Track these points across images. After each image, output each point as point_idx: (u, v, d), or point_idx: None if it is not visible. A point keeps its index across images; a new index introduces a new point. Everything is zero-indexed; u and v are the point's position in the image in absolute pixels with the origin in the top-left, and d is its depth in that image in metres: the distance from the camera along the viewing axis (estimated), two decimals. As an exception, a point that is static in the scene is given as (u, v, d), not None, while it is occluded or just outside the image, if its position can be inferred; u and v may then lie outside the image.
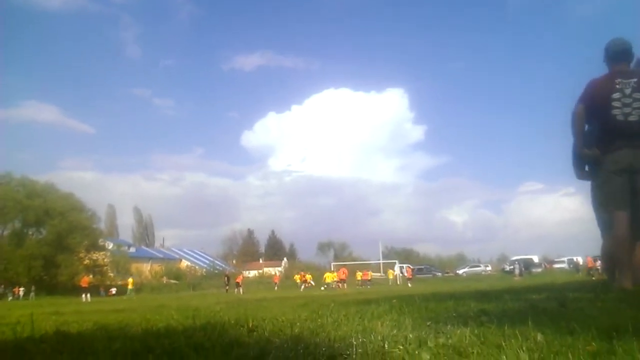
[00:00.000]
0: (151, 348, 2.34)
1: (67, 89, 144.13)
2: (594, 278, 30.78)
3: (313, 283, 47.18)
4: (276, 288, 44.87)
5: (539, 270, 58.60)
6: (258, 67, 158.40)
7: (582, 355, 1.62)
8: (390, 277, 53.27)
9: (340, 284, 43.97)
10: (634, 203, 4.91)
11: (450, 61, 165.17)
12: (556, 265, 63.22)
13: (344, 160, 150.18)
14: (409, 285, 40.65)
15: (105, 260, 60.93)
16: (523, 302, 4.03)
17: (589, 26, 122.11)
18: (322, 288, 39.96)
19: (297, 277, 50.04)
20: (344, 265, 54.83)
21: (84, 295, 34.48)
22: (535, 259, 66.90)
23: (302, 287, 43.27)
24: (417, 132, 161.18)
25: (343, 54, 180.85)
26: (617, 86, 4.91)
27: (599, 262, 45.62)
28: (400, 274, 53.55)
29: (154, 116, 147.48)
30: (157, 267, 73.24)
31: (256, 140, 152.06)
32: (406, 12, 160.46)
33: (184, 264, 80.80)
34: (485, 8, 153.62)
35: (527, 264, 57.83)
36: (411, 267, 56.00)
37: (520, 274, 48.47)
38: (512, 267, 53.75)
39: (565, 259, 64.51)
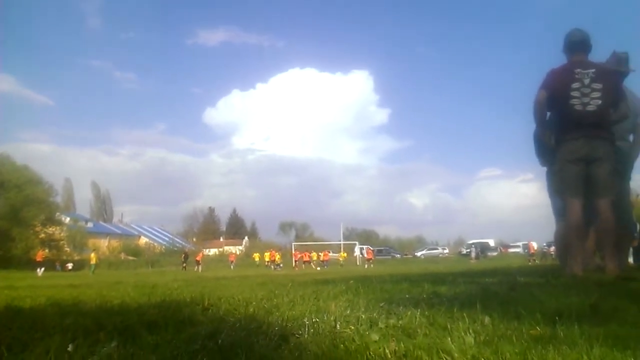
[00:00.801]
0: (103, 325, 2.31)
1: (24, 59, 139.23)
2: (530, 263, 32.23)
3: (282, 265, 46.05)
4: (232, 267, 44.10)
5: (495, 254, 60.12)
6: (222, 43, 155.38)
7: (526, 338, 1.67)
8: (341, 259, 52.99)
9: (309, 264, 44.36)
10: (588, 192, 5.04)
11: (416, 46, 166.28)
12: (511, 250, 64.97)
13: (308, 140, 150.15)
14: (366, 266, 41.13)
15: (62, 234, 59.68)
16: (475, 286, 4.12)
17: (552, 16, 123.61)
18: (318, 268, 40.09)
19: (266, 255, 48.46)
20: (306, 246, 55.20)
21: (38, 270, 33.78)
22: (492, 243, 68.53)
23: (273, 267, 42.86)
24: (381, 115, 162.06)
25: (309, 34, 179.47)
26: (577, 76, 5.00)
27: (552, 248, 47.35)
28: (361, 255, 54.01)
29: (115, 89, 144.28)
30: (115, 242, 72.17)
31: (219, 118, 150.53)
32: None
33: (143, 240, 79.77)
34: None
35: (484, 248, 59.22)
36: (371, 248, 56.63)
37: (477, 257, 49.67)
38: (468, 250, 54.99)
39: (520, 243, 66.23)
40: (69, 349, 1.74)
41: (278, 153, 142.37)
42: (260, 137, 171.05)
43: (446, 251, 71.46)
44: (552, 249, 46.89)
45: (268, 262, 46.11)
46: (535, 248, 48.66)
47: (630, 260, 8.37)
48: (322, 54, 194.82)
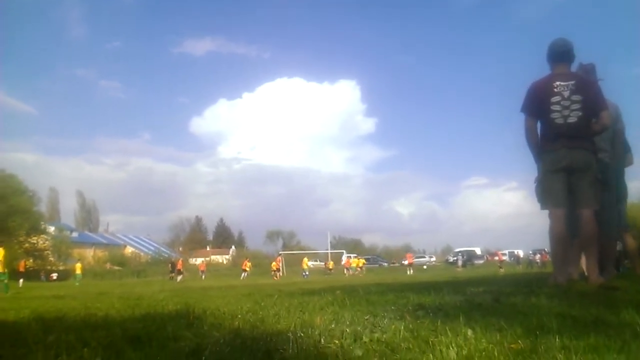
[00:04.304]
0: (86, 341, 2.30)
1: (8, 67, 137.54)
2: (502, 269, 32.72)
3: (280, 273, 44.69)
4: (203, 277, 42.56)
5: (481, 262, 60.40)
6: (209, 53, 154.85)
7: (507, 353, 1.69)
8: (330, 266, 52.04)
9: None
10: (572, 201, 5.10)
11: (403, 55, 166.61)
12: (497, 258, 65.28)
13: (295, 149, 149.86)
14: (348, 274, 41.09)
15: (46, 244, 59.03)
16: (460, 296, 4.13)
17: (535, 26, 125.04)
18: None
19: (273, 265, 45.94)
20: (292, 254, 54.87)
21: (20, 281, 33.26)
22: (478, 251, 68.93)
23: (278, 275, 41.98)
24: (367, 124, 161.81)
25: (296, 44, 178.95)
26: (556, 89, 5.05)
27: (538, 256, 47.73)
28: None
29: (100, 98, 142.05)
30: (100, 252, 71.57)
31: (206, 127, 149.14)
32: (362, 4, 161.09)
33: (129, 250, 79.14)
34: (437, 4, 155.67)
35: (470, 256, 59.53)
36: (356, 257, 56.63)
37: (463, 265, 49.91)
38: (455, 258, 55.24)
39: (506, 251, 66.67)
40: (52, 367, 1.74)
41: (264, 162, 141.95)
42: (246, 147, 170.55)
43: (433, 259, 71.70)
44: (538, 256, 47.51)
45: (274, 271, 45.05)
46: (504, 258, 48.99)
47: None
48: (310, 64, 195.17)
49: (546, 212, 5.38)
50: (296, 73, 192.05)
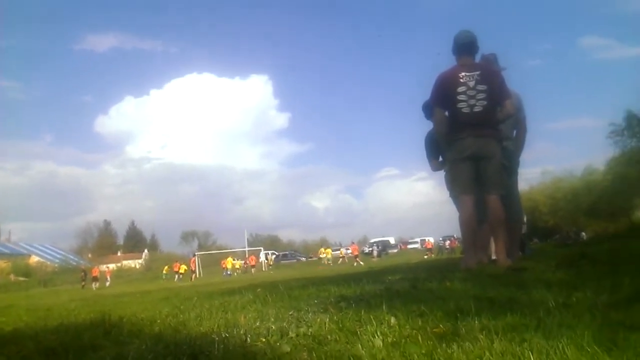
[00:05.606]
0: (-4, 358, 2.15)
1: None
2: (426, 257, 34.24)
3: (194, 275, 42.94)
4: (107, 284, 40.05)
5: (395, 250, 62.19)
6: (112, 49, 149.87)
7: (431, 337, 1.74)
8: (237, 266, 49.94)
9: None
10: (479, 188, 5.31)
11: (313, 49, 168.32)
12: (410, 246, 67.49)
13: (207, 147, 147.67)
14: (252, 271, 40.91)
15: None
16: (379, 285, 4.20)
17: (441, 18, 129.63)
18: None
19: (183, 267, 44.23)
20: (209, 254, 53.90)
21: None
22: (392, 240, 70.74)
23: (192, 276, 40.77)
24: (281, 119, 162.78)
25: (205, 39, 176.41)
26: (461, 80, 5.23)
27: (447, 242, 49.80)
28: (265, 261, 53.73)
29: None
30: (3, 263, 67.11)
31: (112, 126, 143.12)
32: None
33: (34, 259, 74.66)
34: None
35: (385, 246, 61.06)
36: (276, 253, 56.67)
37: (379, 255, 51.14)
38: (370, 249, 56.40)
39: (418, 239, 69.04)
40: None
41: (176, 161, 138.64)
42: (156, 145, 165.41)
43: (349, 251, 72.80)
44: (447, 243, 49.54)
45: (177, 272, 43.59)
46: (432, 243, 50.88)
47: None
48: (220, 59, 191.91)
49: (454, 199, 5.60)
50: (206, 68, 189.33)
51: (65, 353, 2.15)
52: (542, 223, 49.14)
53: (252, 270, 44.69)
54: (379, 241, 63.17)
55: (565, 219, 51.32)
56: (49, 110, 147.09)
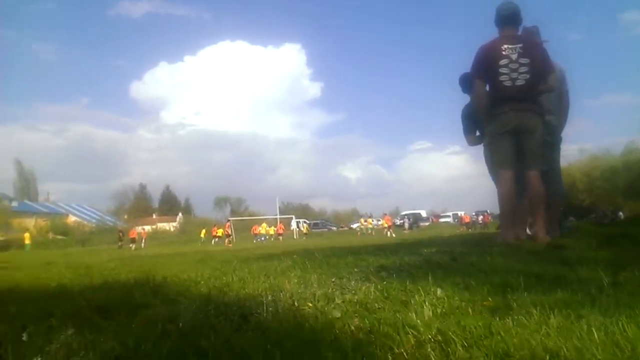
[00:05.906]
0: (50, 311, 2.23)
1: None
2: (460, 231, 33.86)
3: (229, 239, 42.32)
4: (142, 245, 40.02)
5: (427, 224, 61.87)
6: (146, 14, 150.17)
7: (482, 310, 1.74)
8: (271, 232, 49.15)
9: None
10: (520, 163, 5.23)
11: (348, 19, 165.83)
12: (442, 220, 67.04)
13: (241, 114, 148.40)
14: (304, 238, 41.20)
15: (-16, 214, 56.75)
16: (417, 257, 4.20)
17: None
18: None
19: (220, 231, 43.82)
20: (241, 220, 54.44)
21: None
22: (424, 213, 70.50)
23: (227, 240, 41.04)
24: (314, 89, 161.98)
25: (238, 6, 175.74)
26: (504, 52, 5.12)
27: (481, 217, 49.37)
28: (297, 229, 54.03)
29: (34, 62, 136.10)
30: (42, 222, 69.18)
31: (147, 92, 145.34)
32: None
33: (72, 219, 76.81)
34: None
35: (416, 218, 60.80)
36: (308, 222, 57.02)
37: (410, 228, 50.98)
38: (402, 221, 56.25)
39: (450, 213, 68.52)
40: (24, 338, 1.67)
41: (210, 128, 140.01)
42: (190, 112, 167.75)
43: (380, 222, 72.81)
44: (480, 218, 49.08)
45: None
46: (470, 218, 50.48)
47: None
48: (253, 27, 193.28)
49: (493, 174, 5.53)
50: (239, 36, 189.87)
51: (117, 310, 2.21)
52: (578, 201, 48.20)
53: (280, 238, 44.89)
54: (411, 214, 62.95)
55: (601, 197, 50.18)
56: (84, 74, 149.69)
